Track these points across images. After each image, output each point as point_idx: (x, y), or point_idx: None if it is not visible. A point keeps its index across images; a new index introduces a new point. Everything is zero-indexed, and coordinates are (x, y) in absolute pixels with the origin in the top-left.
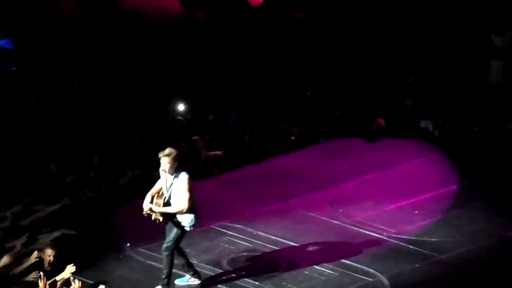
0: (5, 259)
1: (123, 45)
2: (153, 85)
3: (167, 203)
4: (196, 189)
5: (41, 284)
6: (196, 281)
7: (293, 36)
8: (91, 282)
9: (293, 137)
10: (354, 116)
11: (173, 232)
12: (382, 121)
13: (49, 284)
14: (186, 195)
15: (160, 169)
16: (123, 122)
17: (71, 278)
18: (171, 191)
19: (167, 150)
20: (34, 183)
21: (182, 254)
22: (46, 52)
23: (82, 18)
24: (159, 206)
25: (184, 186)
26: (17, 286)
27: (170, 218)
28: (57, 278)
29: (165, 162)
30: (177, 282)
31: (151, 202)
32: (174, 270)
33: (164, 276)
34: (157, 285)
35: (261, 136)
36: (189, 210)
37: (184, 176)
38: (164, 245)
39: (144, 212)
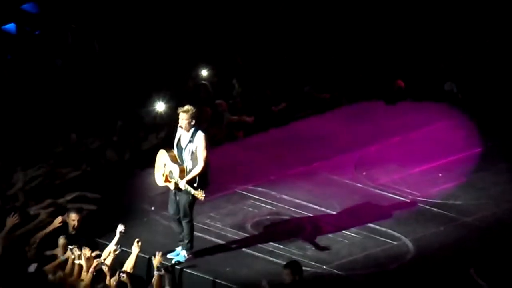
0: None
1: (146, 6)
2: (177, 49)
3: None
4: (220, 153)
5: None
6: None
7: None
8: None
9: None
10: (376, 78)
11: (185, 199)
12: (402, 83)
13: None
14: (203, 154)
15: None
16: (146, 85)
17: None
18: (186, 150)
19: (186, 107)
20: (58, 146)
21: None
22: (69, 15)
23: None
24: (178, 178)
25: (202, 145)
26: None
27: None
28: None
29: (182, 118)
30: (170, 256)
31: (166, 180)
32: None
33: (187, 241)
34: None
35: (284, 100)
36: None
37: (201, 135)
38: (182, 214)
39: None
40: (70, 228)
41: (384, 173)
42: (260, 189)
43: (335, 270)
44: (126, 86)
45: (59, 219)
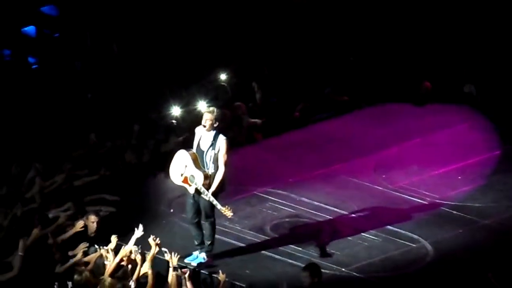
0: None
1: (166, 8)
2: (197, 51)
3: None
4: (239, 155)
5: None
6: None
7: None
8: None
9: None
10: (402, 80)
11: (204, 201)
12: (429, 84)
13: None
14: (225, 157)
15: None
16: (164, 89)
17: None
18: (207, 153)
19: (211, 107)
20: (76, 149)
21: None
22: (88, 18)
23: None
24: (203, 188)
25: (224, 148)
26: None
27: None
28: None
29: (206, 118)
30: (187, 260)
31: (185, 181)
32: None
33: (209, 242)
34: (196, 250)
35: (304, 102)
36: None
37: (223, 138)
38: (204, 215)
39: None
40: (90, 231)
41: (403, 176)
42: (279, 191)
43: (354, 273)
44: (145, 88)
45: (81, 223)
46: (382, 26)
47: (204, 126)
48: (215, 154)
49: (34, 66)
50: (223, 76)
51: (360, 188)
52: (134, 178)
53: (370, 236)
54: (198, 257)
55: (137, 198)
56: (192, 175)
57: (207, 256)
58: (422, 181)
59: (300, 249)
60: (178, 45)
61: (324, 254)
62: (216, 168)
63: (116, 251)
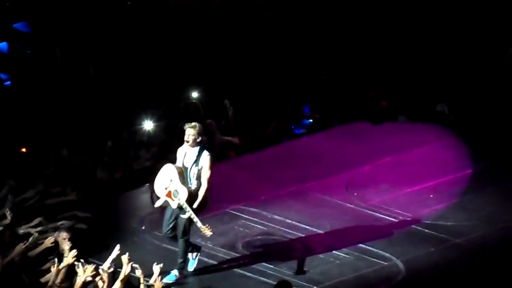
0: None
1: (137, 27)
2: (167, 70)
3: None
4: (211, 172)
5: (53, 269)
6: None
7: (310, 19)
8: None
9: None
10: (363, 99)
11: (183, 218)
12: (385, 104)
13: (58, 270)
14: (208, 173)
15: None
16: (134, 104)
17: (76, 263)
18: (191, 169)
19: (193, 123)
20: (48, 166)
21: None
22: (59, 35)
23: None
24: (186, 204)
25: (207, 164)
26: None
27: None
28: (61, 265)
29: (189, 134)
30: (166, 280)
31: (168, 195)
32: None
33: (181, 260)
34: (173, 269)
35: (276, 120)
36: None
37: (207, 154)
38: (180, 231)
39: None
40: (61, 247)
41: (376, 194)
42: (251, 209)
43: None
44: (115, 105)
45: (51, 239)
46: (352, 44)
47: (187, 142)
48: (198, 170)
49: (6, 83)
50: (194, 94)
51: (332, 206)
52: (105, 195)
53: (342, 254)
54: (170, 273)
55: (108, 215)
56: (176, 190)
57: (179, 273)
58: (394, 199)
59: (272, 266)
60: (151, 63)
61: (296, 272)
62: (199, 185)
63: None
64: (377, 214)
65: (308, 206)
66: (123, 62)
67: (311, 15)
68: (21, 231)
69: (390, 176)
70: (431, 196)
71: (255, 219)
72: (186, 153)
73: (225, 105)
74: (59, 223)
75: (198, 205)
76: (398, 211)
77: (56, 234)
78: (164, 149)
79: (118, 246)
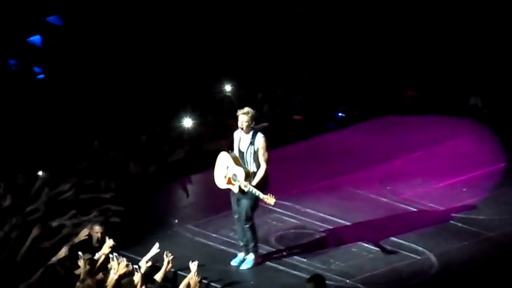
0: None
1: (171, 21)
2: (202, 62)
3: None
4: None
5: (81, 263)
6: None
7: (341, 15)
8: (139, 259)
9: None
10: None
11: (247, 203)
12: (414, 93)
13: (89, 262)
14: (265, 155)
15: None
16: (170, 100)
17: (111, 255)
18: (247, 152)
19: (246, 108)
20: (81, 160)
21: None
22: (89, 28)
23: None
24: (245, 182)
25: (263, 146)
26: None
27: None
28: (97, 255)
29: (242, 120)
30: (233, 263)
31: (228, 182)
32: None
33: (253, 244)
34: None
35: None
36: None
37: (261, 136)
38: (243, 217)
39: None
40: (94, 241)
41: (409, 188)
42: (284, 202)
43: (359, 284)
44: (152, 99)
45: (85, 231)
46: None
47: (242, 128)
48: (255, 152)
49: (39, 76)
50: (228, 88)
51: (365, 199)
52: (139, 188)
53: (375, 248)
54: (246, 259)
55: (142, 209)
56: (234, 174)
57: (256, 257)
58: (426, 193)
59: (305, 260)
60: (183, 57)
61: (328, 266)
62: (258, 166)
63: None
64: (410, 208)
65: (341, 200)
66: (156, 56)
67: (343, 11)
68: (55, 223)
69: (423, 170)
70: (464, 190)
71: (288, 213)
72: (241, 138)
73: (258, 99)
74: (92, 215)
75: (258, 184)
76: (431, 205)
77: (89, 227)
78: (198, 144)
79: (157, 245)
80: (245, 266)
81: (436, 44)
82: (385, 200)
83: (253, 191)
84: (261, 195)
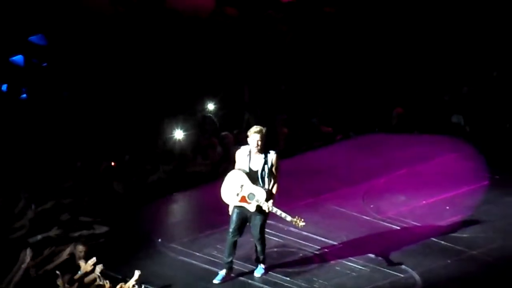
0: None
1: (155, 40)
2: (183, 82)
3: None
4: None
5: (59, 282)
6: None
7: (323, 31)
8: (122, 278)
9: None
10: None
11: (261, 219)
12: (401, 110)
13: (68, 281)
14: (278, 170)
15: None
16: (152, 119)
17: (98, 276)
18: (264, 171)
19: (258, 127)
20: (66, 179)
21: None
22: (78, 47)
23: (114, 13)
24: (269, 204)
25: (278, 163)
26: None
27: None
28: (79, 272)
29: (257, 139)
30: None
31: (242, 200)
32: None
33: (262, 256)
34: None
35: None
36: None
37: (274, 153)
38: (257, 232)
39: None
40: (77, 260)
41: (392, 206)
42: (267, 221)
43: None
44: (135, 118)
45: (67, 251)
46: (372, 56)
47: (257, 147)
48: (269, 170)
49: (22, 96)
50: (211, 106)
51: (348, 218)
52: (122, 207)
53: (358, 266)
54: (258, 267)
55: (126, 228)
56: (252, 193)
57: (264, 266)
58: (410, 211)
59: (288, 279)
60: (167, 75)
61: (312, 284)
62: (271, 182)
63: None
64: (393, 226)
65: (324, 218)
66: (140, 73)
67: (326, 29)
68: (39, 236)
69: (406, 188)
70: (447, 208)
71: (271, 231)
72: (252, 157)
73: (244, 118)
74: (76, 234)
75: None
76: (414, 223)
77: (72, 247)
78: (181, 164)
79: (137, 273)
80: (258, 274)
81: (418, 62)
82: (368, 218)
83: (279, 213)
84: (289, 218)
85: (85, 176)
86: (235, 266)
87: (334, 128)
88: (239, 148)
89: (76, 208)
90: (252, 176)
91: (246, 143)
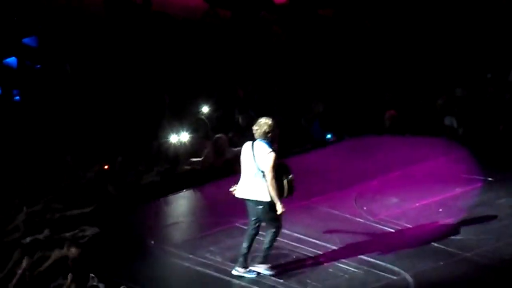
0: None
1: (146, 43)
2: (176, 84)
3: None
4: (220, 187)
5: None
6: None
7: (318, 34)
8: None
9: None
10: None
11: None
12: (394, 112)
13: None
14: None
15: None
16: (145, 121)
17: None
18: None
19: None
20: (60, 180)
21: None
22: (69, 50)
23: (106, 15)
24: None
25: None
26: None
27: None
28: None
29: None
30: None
31: None
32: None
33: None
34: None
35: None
36: None
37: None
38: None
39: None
40: (69, 263)
41: (384, 208)
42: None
43: None
44: (127, 120)
45: (56, 253)
46: (365, 57)
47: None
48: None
49: (15, 98)
50: (205, 109)
51: (340, 220)
52: (115, 209)
53: (351, 268)
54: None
55: (118, 230)
56: None
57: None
58: (403, 213)
59: (281, 281)
60: (161, 76)
61: (305, 287)
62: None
63: None
64: (386, 228)
65: (317, 220)
66: (133, 74)
67: (319, 31)
68: (28, 239)
69: (399, 190)
70: (440, 210)
71: (264, 234)
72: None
73: (237, 120)
74: (68, 234)
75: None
76: (407, 225)
77: (64, 249)
78: (174, 165)
79: None
80: (267, 272)
81: (411, 64)
82: (361, 220)
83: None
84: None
85: (77, 177)
86: (227, 269)
87: (328, 130)
88: (234, 150)
89: (67, 210)
90: None
91: (240, 145)
